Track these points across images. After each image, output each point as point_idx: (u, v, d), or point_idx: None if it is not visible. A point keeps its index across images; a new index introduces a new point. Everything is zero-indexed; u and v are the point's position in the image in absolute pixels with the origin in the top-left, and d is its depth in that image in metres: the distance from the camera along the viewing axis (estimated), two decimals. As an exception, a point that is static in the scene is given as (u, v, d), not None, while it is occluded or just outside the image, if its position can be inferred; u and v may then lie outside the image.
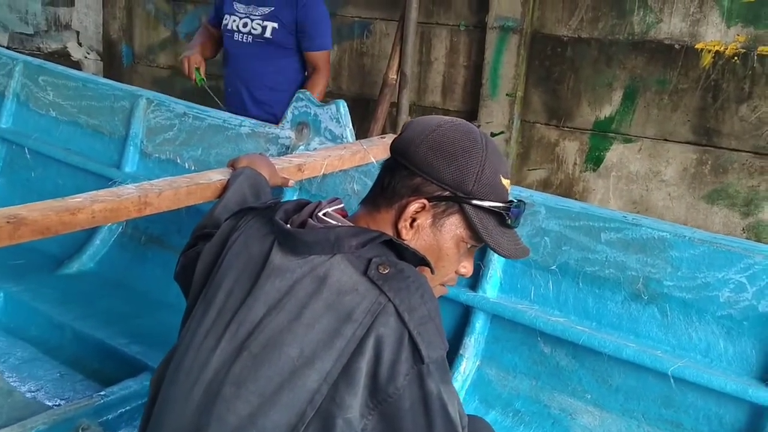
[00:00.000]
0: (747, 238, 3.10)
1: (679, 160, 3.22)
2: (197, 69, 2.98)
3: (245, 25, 2.95)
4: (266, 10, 2.93)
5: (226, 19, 2.99)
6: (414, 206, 1.14)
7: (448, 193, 1.15)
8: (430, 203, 1.15)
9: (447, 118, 1.21)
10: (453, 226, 1.17)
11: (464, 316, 1.90)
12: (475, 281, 1.88)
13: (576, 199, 3.44)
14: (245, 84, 3.06)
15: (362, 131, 3.79)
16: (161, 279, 2.31)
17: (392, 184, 1.17)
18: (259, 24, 2.93)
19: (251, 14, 2.94)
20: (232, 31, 2.98)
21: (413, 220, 1.16)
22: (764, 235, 3.08)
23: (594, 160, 3.39)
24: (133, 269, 2.45)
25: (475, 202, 1.16)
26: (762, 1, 2.95)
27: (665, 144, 3.23)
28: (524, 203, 1.22)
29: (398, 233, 1.16)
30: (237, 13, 2.97)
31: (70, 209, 1.30)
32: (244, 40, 2.96)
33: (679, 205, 3.24)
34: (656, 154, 3.25)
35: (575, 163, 3.45)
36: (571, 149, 3.44)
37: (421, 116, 1.27)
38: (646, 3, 3.17)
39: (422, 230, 1.17)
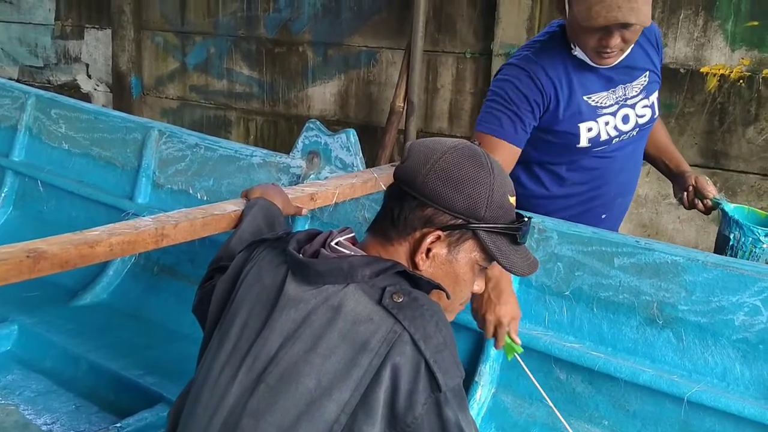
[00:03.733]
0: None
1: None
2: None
3: (626, 119, 1.90)
4: (644, 79, 1.92)
5: (588, 130, 1.86)
6: (429, 239, 1.15)
7: (461, 221, 1.16)
8: (444, 233, 1.16)
9: (449, 141, 1.21)
10: (467, 251, 1.18)
11: (479, 342, 1.89)
12: (488, 308, 1.87)
13: (585, 223, 3.44)
14: (626, 199, 2.11)
15: (370, 159, 3.82)
16: (175, 309, 2.32)
17: (402, 215, 1.17)
18: (645, 105, 1.93)
19: (627, 98, 1.90)
20: (608, 141, 1.89)
21: (429, 250, 1.16)
22: (775, 257, 3.07)
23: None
24: (147, 300, 2.46)
25: (488, 226, 1.17)
26: (765, 24, 2.97)
27: (673, 167, 3.24)
28: (531, 218, 1.24)
29: (415, 265, 1.17)
30: (604, 111, 1.87)
31: (89, 242, 1.31)
32: (628, 138, 1.93)
33: (689, 228, 3.24)
34: (665, 177, 3.24)
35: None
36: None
37: (421, 139, 1.27)
38: (650, 28, 3.20)
39: (438, 259, 1.18)
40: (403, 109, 3.72)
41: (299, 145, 2.25)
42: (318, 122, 2.24)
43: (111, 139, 2.66)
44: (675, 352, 1.67)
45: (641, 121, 1.93)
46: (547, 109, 1.84)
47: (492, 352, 1.87)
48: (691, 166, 3.15)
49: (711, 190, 1.97)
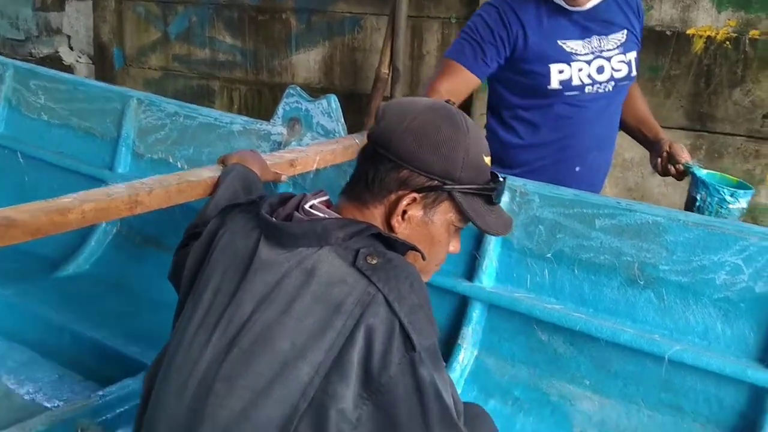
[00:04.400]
0: (744, 222, 3.10)
1: (673, 146, 3.21)
2: None
3: (600, 70, 1.95)
4: (621, 36, 1.99)
5: (559, 72, 1.92)
6: (405, 201, 1.14)
7: (436, 182, 1.14)
8: (420, 195, 1.15)
9: (424, 101, 1.20)
10: (443, 212, 1.18)
11: (461, 306, 1.89)
12: (471, 271, 1.87)
13: (571, 188, 3.44)
14: (602, 154, 2.11)
15: (356, 126, 3.76)
16: (157, 279, 2.28)
17: (377, 177, 1.15)
18: (621, 61, 1.98)
19: (603, 50, 1.95)
20: (580, 87, 1.94)
21: (404, 212, 1.15)
22: (761, 218, 3.08)
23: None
24: (129, 270, 2.45)
25: (463, 187, 1.16)
26: (752, -16, 2.94)
27: (659, 130, 3.23)
28: (506, 178, 1.23)
29: (391, 228, 1.16)
30: (578, 57, 1.93)
31: (60, 210, 1.29)
32: (602, 91, 1.97)
33: (675, 191, 3.24)
34: (650, 140, 3.24)
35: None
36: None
37: (395, 99, 1.24)
38: (636, -10, 3.17)
39: (413, 221, 1.17)
40: (389, 75, 3.67)
41: (280, 111, 2.22)
42: (298, 88, 2.21)
43: (90, 109, 2.63)
44: (656, 312, 1.68)
45: (617, 75, 1.97)
46: (514, 47, 1.91)
47: (474, 315, 1.87)
48: (677, 129, 3.18)
49: (684, 156, 1.96)
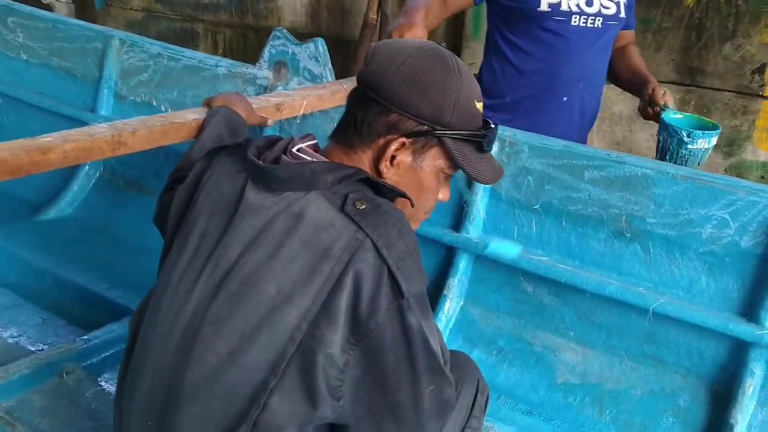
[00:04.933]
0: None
1: (662, 100, 3.19)
2: None
3: (590, 2, 2.04)
4: None
5: None
6: (394, 145, 1.12)
7: (426, 127, 1.12)
8: (409, 140, 1.12)
9: (415, 43, 1.16)
10: (432, 158, 1.15)
11: (448, 256, 1.89)
12: (458, 222, 1.86)
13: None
14: (589, 88, 2.15)
15: (343, 72, 3.71)
16: (140, 223, 2.27)
17: (366, 121, 1.12)
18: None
19: None
20: (568, 13, 2.02)
21: (393, 158, 1.13)
22: (747, 175, 3.09)
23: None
24: (112, 214, 2.42)
25: (453, 133, 1.13)
26: (749, -65, 2.89)
27: (649, 84, 3.21)
28: (497, 125, 1.21)
29: (379, 173, 1.14)
30: None
31: (41, 148, 1.26)
32: (591, 25, 2.05)
33: (662, 146, 3.24)
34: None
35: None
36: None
37: (385, 41, 1.21)
38: (631, -61, 3.10)
39: (402, 166, 1.14)
40: (377, 21, 3.61)
41: (266, 55, 2.18)
42: (285, 30, 2.15)
43: (71, 48, 2.56)
44: (642, 265, 1.68)
45: (605, 12, 2.05)
46: None
47: (461, 266, 1.87)
48: (667, 83, 3.15)
49: (664, 99, 1.96)
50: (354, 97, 1.17)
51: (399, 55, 1.12)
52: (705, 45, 3.07)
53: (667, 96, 1.98)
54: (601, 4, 2.05)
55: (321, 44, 2.10)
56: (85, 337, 1.76)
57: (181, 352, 1.05)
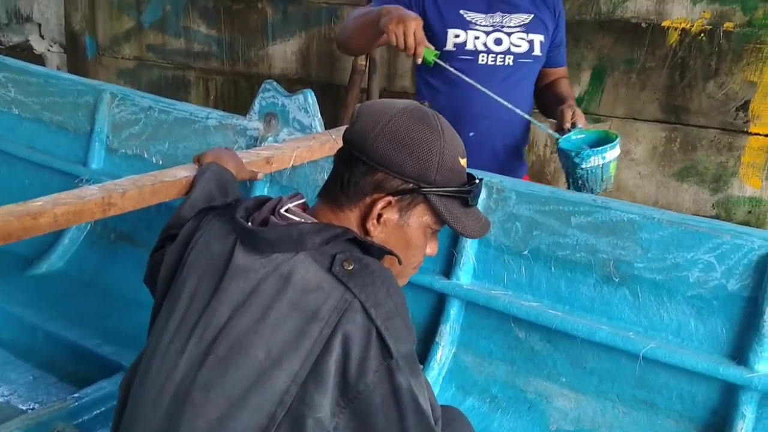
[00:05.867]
0: (717, 214, 3.13)
1: (648, 138, 3.24)
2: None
3: (498, 42, 2.11)
4: (525, 17, 2.15)
5: (455, 36, 2.11)
6: (380, 204, 1.13)
7: (411, 185, 1.14)
8: (395, 198, 1.14)
9: (399, 103, 1.19)
10: (419, 215, 1.17)
11: (439, 303, 1.90)
12: (448, 268, 1.88)
13: (548, 180, 3.46)
14: (498, 124, 2.18)
15: (333, 117, 3.76)
16: (132, 277, 2.27)
17: (353, 180, 1.15)
18: (522, 38, 2.13)
19: (503, 25, 2.12)
20: (474, 52, 2.11)
21: (380, 216, 1.15)
22: (734, 211, 3.11)
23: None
24: (104, 268, 2.42)
25: (439, 190, 1.15)
26: (726, -23, 2.96)
27: (634, 123, 3.25)
28: (482, 180, 1.24)
29: (367, 232, 1.15)
30: (477, 27, 2.11)
31: (32, 213, 1.27)
32: (500, 63, 2.12)
33: (650, 184, 3.27)
34: (626, 133, 3.26)
35: (546, 144, 3.46)
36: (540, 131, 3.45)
37: (370, 101, 1.24)
38: (612, -18, 3.18)
39: (389, 224, 1.16)
40: (365, 67, 3.66)
41: (256, 106, 2.21)
42: (275, 83, 2.19)
43: (62, 102, 2.58)
44: (631, 309, 1.69)
45: (515, 50, 2.13)
46: (420, 6, 2.12)
47: (452, 312, 1.87)
48: (652, 121, 3.20)
49: (575, 120, 1.99)
50: (340, 156, 1.19)
51: (383, 115, 1.15)
52: (689, 84, 3.12)
53: (576, 116, 2.01)
54: (512, 43, 2.12)
55: (310, 95, 2.13)
56: (77, 395, 1.75)
57: (171, 418, 1.05)
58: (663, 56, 3.14)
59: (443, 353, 1.87)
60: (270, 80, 2.21)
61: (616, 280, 1.70)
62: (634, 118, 3.25)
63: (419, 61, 1.95)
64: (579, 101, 3.30)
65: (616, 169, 1.93)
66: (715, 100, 3.08)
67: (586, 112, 3.27)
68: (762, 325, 1.54)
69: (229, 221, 1.18)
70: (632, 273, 1.68)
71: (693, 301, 1.63)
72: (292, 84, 4.06)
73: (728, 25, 3.00)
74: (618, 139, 1.91)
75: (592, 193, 1.91)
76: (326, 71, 4.06)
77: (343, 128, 2.14)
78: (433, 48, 1.97)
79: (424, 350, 1.88)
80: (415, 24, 1.90)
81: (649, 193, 3.27)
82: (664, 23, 3.11)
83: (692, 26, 3.06)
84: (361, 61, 3.63)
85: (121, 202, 1.42)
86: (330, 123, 2.25)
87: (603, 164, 1.87)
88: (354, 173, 1.15)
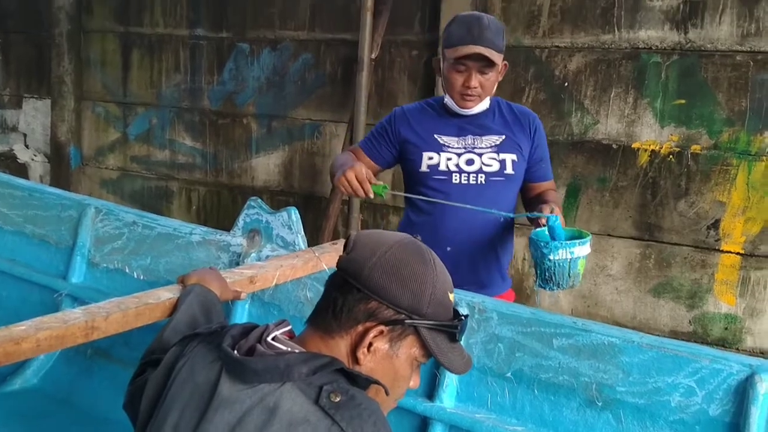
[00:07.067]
0: (694, 331, 3.17)
1: (624, 254, 3.30)
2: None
3: (470, 162, 2.25)
4: (496, 139, 2.28)
5: (429, 158, 2.26)
6: (372, 333, 1.15)
7: (404, 316, 1.16)
8: (387, 327, 1.16)
9: (395, 236, 1.23)
10: (408, 347, 1.19)
11: (422, 427, 1.87)
12: (431, 391, 1.86)
13: (527, 294, 3.49)
14: (474, 239, 2.28)
15: (314, 228, 3.81)
16: (108, 394, 2.23)
17: (345, 306, 1.16)
18: (493, 158, 2.26)
19: (474, 147, 2.27)
20: (447, 172, 2.25)
21: (370, 344, 1.16)
22: (710, 327, 3.15)
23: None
24: (80, 384, 2.36)
25: (430, 323, 1.17)
26: (692, 103, 3.12)
27: (609, 239, 3.33)
28: (467, 316, 1.27)
29: (356, 360, 1.16)
30: (449, 149, 2.26)
31: (14, 339, 1.26)
32: (473, 182, 2.25)
33: (627, 299, 3.31)
34: (601, 249, 3.33)
35: (524, 259, 3.51)
36: (519, 245, 3.51)
37: (365, 231, 1.27)
38: (582, 105, 3.33)
39: (379, 354, 1.17)
40: (347, 180, 3.75)
41: (240, 222, 2.23)
42: (260, 200, 2.23)
43: (45, 216, 2.60)
44: (615, 435, 1.68)
45: (487, 169, 2.26)
46: (402, 142, 2.32)
47: (435, 436, 1.85)
48: (626, 238, 3.28)
49: (547, 212, 2.05)
50: (333, 282, 1.21)
51: (380, 246, 1.18)
52: (660, 202, 3.22)
53: (555, 213, 2.06)
54: (483, 163, 2.26)
55: (294, 213, 2.17)
56: None
57: None
58: (634, 175, 3.26)
59: (427, 477, 1.83)
60: (255, 197, 2.25)
61: (600, 404, 1.70)
62: (609, 235, 3.33)
63: (372, 196, 2.11)
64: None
65: (584, 268, 1.97)
66: (687, 219, 3.17)
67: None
68: (745, 451, 1.53)
69: (214, 349, 1.18)
70: (615, 397, 1.68)
71: (676, 426, 1.62)
72: (274, 195, 4.13)
73: (695, 147, 3.13)
74: (589, 238, 1.96)
75: (559, 287, 1.95)
76: (308, 183, 4.14)
77: (327, 245, 2.18)
78: (380, 183, 2.12)
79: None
80: (353, 171, 2.08)
81: (627, 308, 3.31)
82: (634, 145, 3.25)
83: (661, 148, 3.20)
84: (343, 175, 3.71)
85: (105, 326, 1.41)
86: (312, 233, 2.29)
87: (571, 259, 1.91)
88: (347, 300, 1.17)
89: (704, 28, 3.07)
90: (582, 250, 1.93)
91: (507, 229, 2.33)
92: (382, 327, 1.15)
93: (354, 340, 1.16)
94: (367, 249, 1.18)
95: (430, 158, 2.27)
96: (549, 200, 2.27)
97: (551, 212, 2.07)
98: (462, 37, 2.14)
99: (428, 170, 2.27)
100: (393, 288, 1.15)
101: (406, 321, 1.16)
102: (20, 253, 2.62)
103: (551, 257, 1.91)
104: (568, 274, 1.92)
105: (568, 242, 1.91)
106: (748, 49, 3.01)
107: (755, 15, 2.98)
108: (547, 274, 1.93)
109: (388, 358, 1.18)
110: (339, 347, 1.16)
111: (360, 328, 1.16)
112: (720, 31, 3.04)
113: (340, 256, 1.22)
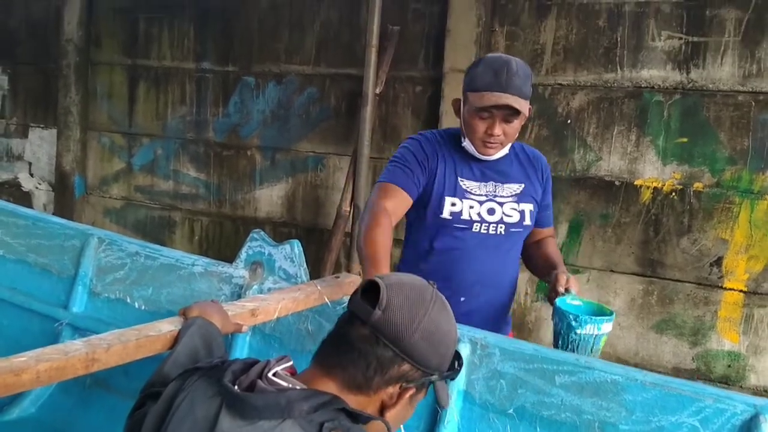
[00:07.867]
0: (697, 368, 3.14)
1: (626, 290, 3.30)
2: None
3: (491, 211, 2.15)
4: (516, 187, 2.20)
5: (452, 204, 2.14)
6: (408, 393, 1.18)
7: (432, 375, 1.21)
8: (417, 386, 1.20)
9: (424, 293, 1.22)
10: (422, 395, 1.24)
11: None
12: (432, 427, 1.84)
13: (529, 328, 3.47)
14: (488, 290, 2.21)
15: (317, 260, 3.81)
16: (106, 425, 2.21)
17: (380, 369, 1.16)
18: (514, 209, 2.18)
19: (496, 195, 2.17)
20: (469, 222, 2.14)
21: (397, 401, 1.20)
22: (713, 365, 3.13)
23: (545, 290, 3.45)
24: (78, 414, 2.34)
25: (446, 374, 1.24)
26: (694, 141, 3.14)
27: (612, 275, 3.32)
28: (461, 358, 1.30)
29: (383, 413, 1.18)
30: (471, 196, 2.15)
31: (14, 370, 1.25)
32: (492, 232, 2.16)
33: (630, 335, 3.29)
34: (604, 285, 3.32)
35: (527, 293, 3.50)
36: (522, 279, 3.50)
37: (395, 284, 1.21)
38: (585, 142, 3.35)
39: (401, 405, 1.20)
40: (350, 213, 3.76)
41: (242, 254, 2.24)
42: (263, 232, 2.23)
43: (48, 245, 2.60)
44: (618, 474, 1.66)
45: (507, 219, 2.17)
46: (432, 172, 2.16)
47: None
48: (629, 274, 3.27)
49: (569, 286, 2.03)
50: (360, 336, 1.18)
51: (419, 309, 1.18)
52: (663, 239, 3.22)
53: (570, 282, 2.04)
54: (504, 213, 2.17)
55: (297, 246, 2.17)
56: None
57: None
58: (637, 212, 3.26)
59: None
60: (258, 230, 2.25)
61: (602, 443, 1.68)
62: (612, 270, 3.32)
63: None
64: (558, 253, 3.39)
65: (604, 345, 1.95)
66: (690, 256, 3.17)
67: (565, 263, 3.36)
68: (750, 494, 1.51)
69: (214, 383, 1.17)
70: (618, 436, 1.66)
71: (680, 467, 1.61)
72: (277, 227, 4.14)
73: (698, 185, 3.14)
74: (613, 315, 1.94)
75: None
76: (311, 215, 4.15)
77: (329, 278, 2.17)
78: None
79: None
80: None
81: (630, 345, 3.29)
82: (637, 182, 3.26)
83: (663, 185, 3.21)
84: (346, 206, 3.73)
85: (105, 358, 1.41)
86: (314, 265, 2.28)
87: (596, 335, 1.89)
88: (381, 361, 1.16)
89: (706, 68, 3.10)
90: (608, 327, 1.91)
91: (515, 277, 2.31)
92: (413, 389, 1.19)
93: (385, 400, 1.19)
94: (406, 312, 1.17)
95: (453, 204, 2.15)
96: (554, 258, 2.26)
97: (566, 281, 2.05)
98: (489, 84, 2.01)
99: (450, 217, 2.15)
100: (428, 353, 1.19)
101: (432, 377, 1.21)
102: (22, 281, 2.62)
103: (578, 331, 1.88)
104: (591, 350, 1.90)
105: (597, 317, 1.89)
106: (750, 90, 3.03)
107: (756, 56, 3.02)
108: (570, 346, 1.90)
109: (406, 408, 1.22)
110: (362, 404, 1.17)
111: (391, 390, 1.18)
112: (722, 72, 3.07)
113: (372, 314, 1.17)
